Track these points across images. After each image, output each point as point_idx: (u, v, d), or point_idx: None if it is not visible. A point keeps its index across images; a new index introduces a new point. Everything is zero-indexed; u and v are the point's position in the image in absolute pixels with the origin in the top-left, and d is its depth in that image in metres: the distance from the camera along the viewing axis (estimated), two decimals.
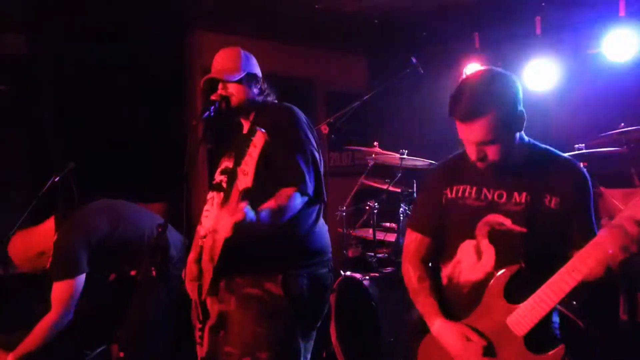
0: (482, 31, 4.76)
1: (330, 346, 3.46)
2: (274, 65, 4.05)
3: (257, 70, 2.14)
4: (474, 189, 1.68)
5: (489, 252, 1.62)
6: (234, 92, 2.05)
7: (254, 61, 2.15)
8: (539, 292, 1.48)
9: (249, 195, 1.68)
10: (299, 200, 1.84)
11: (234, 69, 2.06)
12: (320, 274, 2.02)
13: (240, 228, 1.63)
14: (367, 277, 3.29)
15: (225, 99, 2.04)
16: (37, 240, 2.56)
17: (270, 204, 1.78)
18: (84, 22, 4.04)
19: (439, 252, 1.78)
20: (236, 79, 2.04)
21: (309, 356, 2.04)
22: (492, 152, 1.57)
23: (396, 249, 3.46)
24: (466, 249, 1.67)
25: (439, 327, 1.65)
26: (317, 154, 1.98)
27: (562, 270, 1.44)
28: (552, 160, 1.66)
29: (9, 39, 4.01)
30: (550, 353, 1.50)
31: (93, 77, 4.08)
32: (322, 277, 2.03)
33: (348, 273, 3.41)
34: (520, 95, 1.58)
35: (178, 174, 1.94)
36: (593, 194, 1.60)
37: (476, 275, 1.64)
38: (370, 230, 3.69)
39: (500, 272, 1.59)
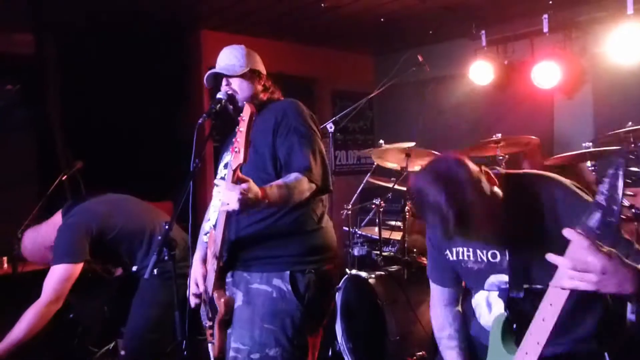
0: (489, 29, 4.74)
1: (336, 344, 3.47)
2: (280, 64, 4.07)
3: (261, 68, 2.15)
4: (470, 251, 1.65)
5: (498, 305, 1.62)
6: (238, 88, 2.06)
7: (257, 58, 2.15)
8: (523, 344, 1.36)
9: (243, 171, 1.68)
10: (306, 185, 1.83)
11: (237, 65, 2.07)
12: (327, 270, 2.02)
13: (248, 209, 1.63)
14: (373, 276, 3.29)
15: (231, 96, 2.05)
16: (45, 233, 2.56)
17: (277, 182, 1.78)
18: (90, 21, 4.06)
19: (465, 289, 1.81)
20: (239, 73, 2.05)
21: (316, 353, 2.05)
22: (465, 236, 1.53)
23: (402, 247, 3.45)
24: (480, 298, 1.68)
25: None
26: (321, 145, 1.98)
27: (536, 314, 1.32)
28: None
29: (16, 38, 4.04)
30: None
31: (99, 75, 4.10)
32: (329, 273, 2.03)
33: (354, 271, 3.41)
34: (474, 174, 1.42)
35: (184, 171, 1.95)
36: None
37: (488, 326, 1.64)
38: (376, 229, 3.69)
39: (495, 321, 1.58)
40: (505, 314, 1.53)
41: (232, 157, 1.66)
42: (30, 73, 4.04)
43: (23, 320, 2.38)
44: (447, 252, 1.71)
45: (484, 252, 1.61)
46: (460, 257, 1.67)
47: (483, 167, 1.48)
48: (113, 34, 4.19)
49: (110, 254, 2.60)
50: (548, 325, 1.26)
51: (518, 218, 1.48)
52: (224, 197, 1.64)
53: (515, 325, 1.49)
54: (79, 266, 2.40)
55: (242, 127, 1.65)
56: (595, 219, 1.19)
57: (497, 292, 1.62)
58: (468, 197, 1.36)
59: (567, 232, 1.19)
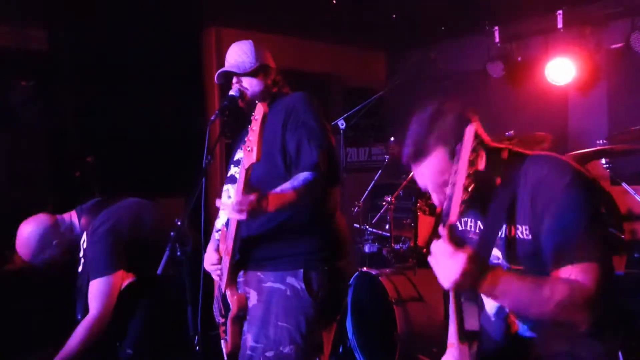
0: (502, 26, 4.70)
1: (347, 341, 3.47)
2: (292, 60, 4.07)
3: (270, 62, 2.14)
4: (473, 222, 1.64)
5: None
6: (248, 84, 2.06)
7: (266, 53, 2.14)
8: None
9: (254, 172, 1.70)
10: (315, 184, 1.83)
11: (247, 61, 2.07)
12: (340, 266, 2.02)
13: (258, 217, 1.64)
14: (384, 273, 3.29)
15: (242, 93, 2.05)
16: (56, 229, 2.46)
17: (286, 188, 1.78)
18: (103, 18, 4.08)
19: None
20: (248, 71, 2.05)
21: (329, 348, 2.05)
22: (449, 194, 1.43)
23: (413, 244, 3.44)
24: None
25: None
26: (330, 138, 1.98)
27: None
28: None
29: (30, 34, 4.07)
30: None
31: (112, 72, 4.12)
32: (342, 269, 2.03)
33: (364, 268, 3.41)
34: (463, 119, 1.43)
35: (197, 168, 1.95)
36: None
37: (491, 313, 1.61)
38: (387, 226, 3.68)
39: None
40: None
41: (245, 156, 1.66)
42: (44, 69, 4.07)
43: (75, 336, 2.32)
44: (457, 222, 1.71)
45: (482, 223, 1.60)
46: (465, 227, 1.68)
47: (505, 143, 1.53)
48: (125, 31, 4.21)
49: (133, 262, 2.51)
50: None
51: (508, 194, 1.46)
52: (233, 205, 1.66)
53: None
54: (120, 273, 2.37)
55: (255, 126, 1.66)
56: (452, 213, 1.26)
57: None
58: (431, 136, 1.43)
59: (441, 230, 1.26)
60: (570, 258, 1.30)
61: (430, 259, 1.29)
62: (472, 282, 1.24)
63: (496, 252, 1.56)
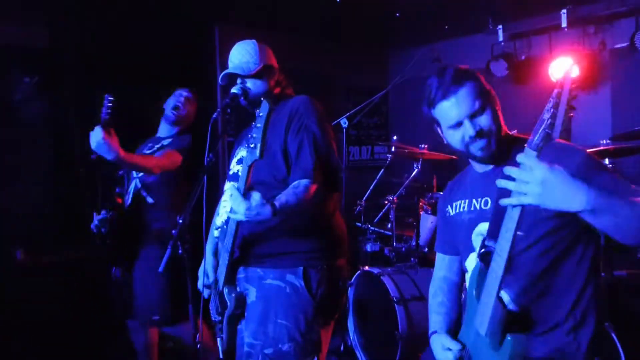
0: (506, 24, 4.68)
1: (348, 340, 3.47)
2: (295, 59, 4.05)
3: (274, 62, 2.14)
4: (466, 202, 1.68)
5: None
6: (252, 85, 2.06)
7: (270, 52, 2.14)
8: (485, 284, 1.40)
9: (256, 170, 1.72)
10: (314, 191, 1.84)
11: (251, 62, 2.06)
12: (339, 265, 2.04)
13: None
14: (385, 272, 3.29)
15: (245, 92, 2.05)
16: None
17: (287, 195, 1.80)
18: (106, 14, 4.08)
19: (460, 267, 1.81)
20: (253, 72, 2.05)
21: (327, 346, 2.06)
22: (485, 123, 1.53)
23: (414, 243, 3.44)
24: (470, 260, 1.67)
25: (432, 340, 1.71)
26: (332, 144, 1.99)
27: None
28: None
29: (32, 31, 4.07)
30: (502, 347, 1.38)
31: (114, 69, 4.12)
32: (341, 268, 2.05)
33: (366, 267, 3.41)
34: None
35: (199, 166, 1.96)
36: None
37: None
38: (389, 225, 3.68)
39: (469, 273, 1.56)
40: (479, 264, 1.50)
41: (248, 153, 1.66)
42: (47, 65, 4.08)
43: (142, 157, 2.81)
44: (449, 207, 1.75)
45: (479, 199, 1.63)
46: (458, 210, 1.71)
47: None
48: (131, 27, 4.21)
49: None
50: (502, 258, 1.30)
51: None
52: (234, 205, 1.70)
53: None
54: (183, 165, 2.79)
55: (260, 123, 1.66)
56: (539, 134, 1.24)
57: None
58: (473, 73, 1.56)
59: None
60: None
61: (517, 182, 1.23)
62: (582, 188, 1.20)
63: (482, 227, 1.58)
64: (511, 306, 1.49)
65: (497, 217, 1.49)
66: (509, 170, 1.25)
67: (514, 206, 1.26)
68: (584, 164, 1.43)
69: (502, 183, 1.27)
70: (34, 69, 4.02)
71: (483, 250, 1.49)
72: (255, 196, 1.69)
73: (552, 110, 1.24)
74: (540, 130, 1.24)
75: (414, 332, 3.04)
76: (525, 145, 1.26)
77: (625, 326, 2.65)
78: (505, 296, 1.49)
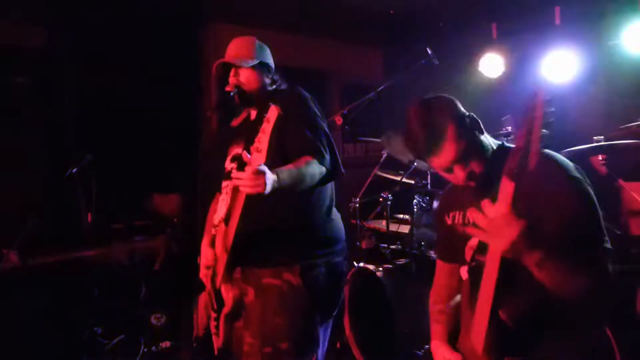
0: (500, 21, 4.68)
1: (344, 337, 3.48)
2: (289, 57, 4.05)
3: (271, 61, 2.14)
4: (461, 213, 1.70)
5: None
6: (246, 79, 2.05)
7: (268, 51, 2.15)
8: (477, 304, 1.39)
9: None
10: (317, 169, 1.83)
11: (247, 56, 2.06)
12: (337, 262, 2.03)
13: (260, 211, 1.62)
14: (381, 269, 3.30)
15: (238, 89, 2.05)
16: None
17: (289, 167, 1.78)
18: (102, 14, 4.06)
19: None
20: (249, 65, 2.04)
21: (326, 344, 2.06)
22: (474, 162, 1.54)
23: (410, 240, 3.45)
24: (464, 271, 1.67)
25: (433, 349, 1.73)
26: (328, 130, 1.99)
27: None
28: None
29: (28, 30, 4.05)
30: None
31: (111, 68, 4.11)
32: (338, 266, 2.05)
33: (361, 264, 3.42)
34: (459, 104, 1.59)
35: (193, 164, 1.95)
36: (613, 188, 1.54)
37: None
38: (384, 222, 3.69)
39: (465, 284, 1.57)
40: (470, 279, 1.52)
41: (253, 157, 1.65)
42: (42, 66, 4.06)
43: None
44: (446, 217, 1.77)
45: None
46: (454, 221, 1.73)
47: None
48: (125, 26, 4.19)
49: None
50: (492, 278, 1.33)
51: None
52: (247, 182, 1.63)
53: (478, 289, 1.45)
54: None
55: (266, 128, 1.65)
56: (517, 163, 1.29)
57: None
58: (450, 108, 1.55)
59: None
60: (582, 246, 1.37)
61: (481, 219, 1.33)
62: (528, 248, 1.28)
63: (474, 241, 1.59)
64: (506, 325, 1.44)
65: None
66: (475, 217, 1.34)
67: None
68: (559, 200, 1.43)
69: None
70: (30, 69, 4.00)
71: (473, 264, 1.51)
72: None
73: (526, 138, 1.28)
74: (518, 160, 1.29)
75: (409, 330, 3.05)
76: (504, 175, 1.31)
77: (618, 321, 2.66)
78: (501, 314, 1.46)
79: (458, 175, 1.55)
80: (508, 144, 1.65)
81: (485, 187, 1.52)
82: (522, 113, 1.31)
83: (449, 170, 1.56)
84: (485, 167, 1.55)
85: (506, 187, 1.29)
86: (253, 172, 1.60)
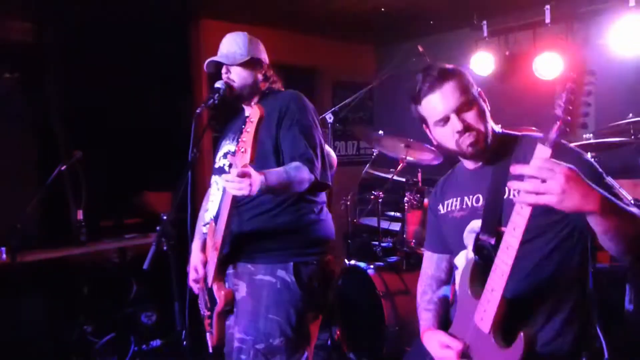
0: (490, 20, 4.70)
1: (335, 334, 3.48)
2: (280, 53, 4.03)
3: (263, 56, 2.13)
4: (458, 200, 1.68)
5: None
6: (238, 76, 2.04)
7: (260, 47, 2.13)
8: (488, 280, 1.36)
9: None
10: (307, 175, 1.83)
11: (238, 52, 2.05)
12: (328, 260, 2.05)
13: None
14: (372, 266, 3.31)
15: (229, 86, 2.04)
16: None
17: (278, 170, 1.79)
18: (90, 10, 4.03)
19: (450, 266, 1.80)
20: (239, 62, 2.03)
21: (315, 339, 2.07)
22: (472, 118, 1.52)
23: (401, 238, 3.46)
24: (460, 258, 1.67)
25: (425, 337, 1.67)
26: (323, 140, 2.00)
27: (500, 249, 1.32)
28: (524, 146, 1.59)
29: (16, 26, 4.01)
30: (513, 345, 1.32)
31: (99, 65, 4.08)
32: (330, 263, 2.07)
33: (352, 262, 3.42)
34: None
35: (184, 161, 1.94)
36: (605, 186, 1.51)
37: None
38: (375, 220, 3.69)
39: (461, 269, 1.55)
40: (475, 258, 1.50)
41: (238, 157, 1.64)
42: (29, 61, 4.02)
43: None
44: (440, 205, 1.75)
45: (470, 197, 1.63)
46: (449, 209, 1.70)
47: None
48: (114, 23, 4.16)
49: None
50: (510, 255, 1.26)
51: (503, 166, 1.52)
52: (233, 185, 1.63)
53: (484, 270, 1.42)
54: None
55: (250, 128, 1.64)
56: (554, 130, 1.22)
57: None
58: (460, 71, 1.56)
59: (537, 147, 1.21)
60: None
61: (524, 182, 1.19)
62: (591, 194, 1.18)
63: (474, 224, 1.58)
64: (514, 302, 1.44)
65: (489, 213, 1.51)
66: (520, 169, 1.20)
67: (530, 205, 1.21)
68: (590, 172, 1.40)
69: (515, 185, 1.21)
70: (16, 64, 3.96)
71: (479, 243, 1.49)
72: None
73: (566, 105, 1.22)
74: (555, 128, 1.21)
75: (400, 326, 3.06)
76: (539, 143, 1.22)
77: (607, 317, 2.69)
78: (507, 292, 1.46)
79: (454, 126, 1.52)
80: (513, 133, 1.66)
81: (495, 165, 1.53)
82: (562, 83, 1.26)
83: (446, 119, 1.53)
84: (485, 134, 1.54)
85: (542, 154, 1.20)
86: (238, 174, 1.60)
